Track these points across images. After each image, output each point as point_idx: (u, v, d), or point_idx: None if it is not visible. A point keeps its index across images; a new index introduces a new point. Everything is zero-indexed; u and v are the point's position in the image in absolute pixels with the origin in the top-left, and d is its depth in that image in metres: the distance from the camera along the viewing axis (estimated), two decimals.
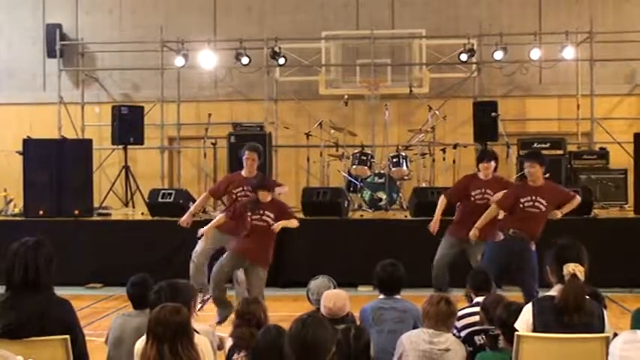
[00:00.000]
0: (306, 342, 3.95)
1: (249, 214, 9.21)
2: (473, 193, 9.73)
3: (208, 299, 9.73)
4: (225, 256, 9.33)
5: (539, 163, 9.11)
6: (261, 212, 9.17)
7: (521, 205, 9.09)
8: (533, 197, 9.06)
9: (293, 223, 9.35)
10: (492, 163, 9.77)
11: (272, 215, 9.17)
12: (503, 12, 17.39)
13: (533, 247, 9.07)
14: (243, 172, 10.12)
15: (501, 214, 9.55)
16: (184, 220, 10.25)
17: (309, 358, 3.95)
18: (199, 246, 10.04)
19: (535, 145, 15.39)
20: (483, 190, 9.68)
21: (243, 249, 9.27)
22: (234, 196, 10.01)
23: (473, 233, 9.32)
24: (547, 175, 9.69)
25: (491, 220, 9.41)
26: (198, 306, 9.68)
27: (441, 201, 10.03)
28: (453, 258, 9.83)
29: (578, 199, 9.41)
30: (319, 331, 3.99)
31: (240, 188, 9.98)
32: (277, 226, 9.11)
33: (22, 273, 4.79)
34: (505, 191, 9.45)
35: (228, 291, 9.86)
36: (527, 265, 9.01)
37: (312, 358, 3.95)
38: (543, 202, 9.04)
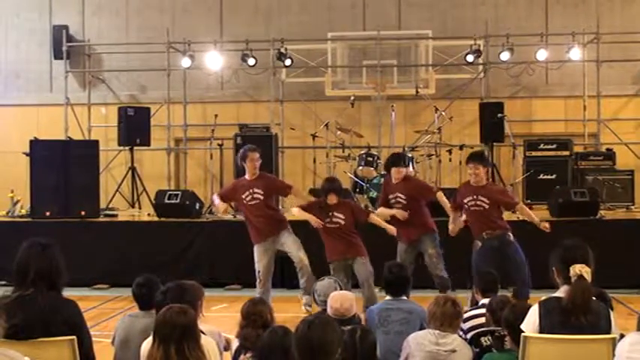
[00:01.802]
0: (313, 343, 3.94)
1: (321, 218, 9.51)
2: (389, 197, 10.10)
3: None
4: (332, 270, 9.46)
5: (482, 164, 9.49)
6: (331, 214, 9.50)
7: (465, 206, 9.49)
8: (475, 196, 9.41)
9: (375, 218, 9.66)
10: (402, 168, 10.12)
11: (342, 216, 9.49)
12: (509, 13, 17.37)
13: (512, 237, 9.41)
14: (247, 175, 10.13)
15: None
16: (223, 211, 10.51)
17: (315, 359, 3.95)
18: (259, 265, 10.02)
19: (542, 146, 15.40)
20: (395, 194, 10.02)
21: (337, 253, 9.55)
22: (244, 203, 10.04)
23: (452, 229, 9.69)
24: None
25: (419, 217, 9.95)
26: None
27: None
28: (413, 260, 10.00)
29: (523, 206, 9.94)
30: (325, 332, 3.99)
31: (247, 192, 9.99)
32: (390, 229, 9.49)
33: (37, 273, 4.81)
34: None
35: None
36: (515, 257, 9.27)
37: (318, 359, 3.95)
38: (485, 200, 9.36)
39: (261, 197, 9.98)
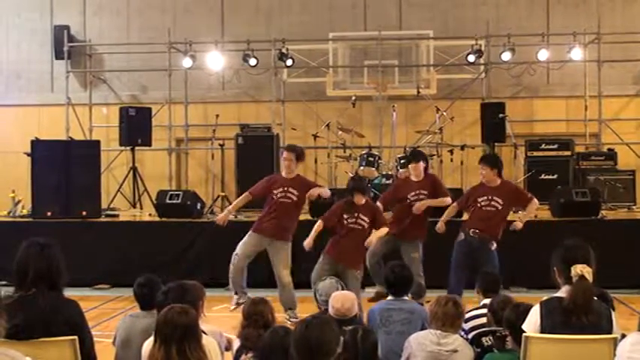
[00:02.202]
0: (311, 343, 3.94)
1: (344, 216, 9.31)
2: (408, 195, 10.13)
3: (242, 303, 9.66)
4: (320, 260, 9.36)
5: (489, 166, 9.66)
6: (357, 215, 9.30)
7: (478, 205, 9.60)
8: (489, 197, 9.56)
9: (383, 232, 9.44)
10: (421, 164, 10.22)
11: (367, 219, 9.31)
12: (510, 13, 17.37)
13: (494, 247, 9.52)
14: (283, 173, 10.14)
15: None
16: (222, 218, 10.35)
17: (313, 359, 3.94)
18: (240, 249, 9.95)
19: (543, 146, 15.40)
20: (418, 191, 10.10)
21: (338, 253, 9.35)
22: (274, 197, 9.96)
23: (439, 227, 9.85)
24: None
25: (422, 221, 10.04)
26: (232, 306, 9.79)
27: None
28: (386, 252, 10.09)
29: (535, 202, 9.93)
30: (323, 332, 3.99)
31: (281, 189, 9.94)
32: (371, 240, 9.24)
33: (37, 273, 4.80)
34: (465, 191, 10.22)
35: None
36: (487, 265, 9.29)
37: (316, 359, 3.95)
38: (499, 201, 9.53)
39: (295, 199, 9.92)
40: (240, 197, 10.73)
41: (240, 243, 10.00)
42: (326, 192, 10.18)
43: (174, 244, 12.80)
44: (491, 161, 9.85)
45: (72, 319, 4.88)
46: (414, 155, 10.43)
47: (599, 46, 16.21)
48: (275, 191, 9.96)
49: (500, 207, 9.51)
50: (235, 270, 9.93)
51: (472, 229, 9.52)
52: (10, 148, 17.01)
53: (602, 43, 16.18)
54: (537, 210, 14.15)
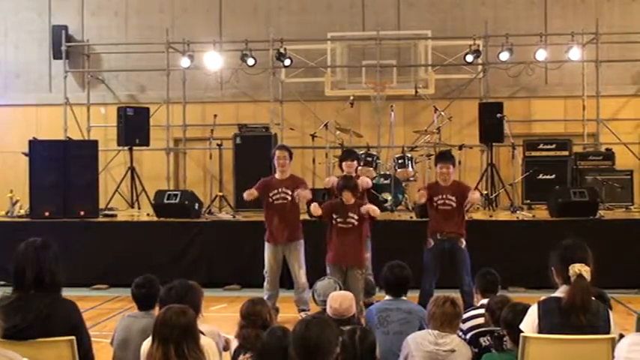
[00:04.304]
0: (310, 343, 3.95)
1: (334, 215, 9.27)
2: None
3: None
4: (327, 271, 9.26)
5: (452, 164, 9.73)
6: (346, 214, 9.25)
7: (435, 204, 9.61)
8: (444, 196, 9.58)
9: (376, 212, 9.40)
10: (355, 163, 10.42)
11: (356, 216, 9.25)
12: (509, 13, 17.37)
13: (464, 245, 9.51)
14: (277, 175, 10.12)
15: None
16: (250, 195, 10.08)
17: (312, 359, 3.95)
18: (266, 266, 10.05)
19: (541, 146, 15.40)
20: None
21: (336, 256, 9.29)
22: (270, 200, 10.00)
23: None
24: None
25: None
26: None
27: None
28: None
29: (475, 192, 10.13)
30: (323, 332, 3.99)
31: (275, 190, 9.98)
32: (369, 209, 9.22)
33: (34, 274, 4.80)
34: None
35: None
36: (459, 262, 9.41)
37: (315, 359, 3.95)
38: (453, 199, 9.55)
39: (289, 198, 9.95)
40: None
41: (265, 260, 10.09)
42: (307, 193, 10.04)
43: (173, 244, 12.79)
44: (453, 159, 9.87)
45: (70, 320, 4.87)
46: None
47: (597, 46, 16.21)
48: (270, 194, 10.00)
49: (454, 205, 9.51)
50: (272, 290, 10.05)
51: (439, 232, 9.50)
52: (7, 148, 17.01)
53: (600, 43, 16.18)
54: (535, 210, 14.24)
